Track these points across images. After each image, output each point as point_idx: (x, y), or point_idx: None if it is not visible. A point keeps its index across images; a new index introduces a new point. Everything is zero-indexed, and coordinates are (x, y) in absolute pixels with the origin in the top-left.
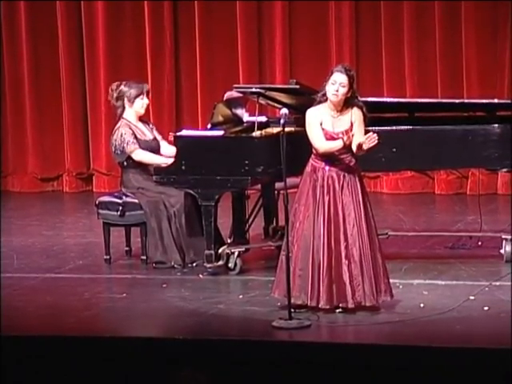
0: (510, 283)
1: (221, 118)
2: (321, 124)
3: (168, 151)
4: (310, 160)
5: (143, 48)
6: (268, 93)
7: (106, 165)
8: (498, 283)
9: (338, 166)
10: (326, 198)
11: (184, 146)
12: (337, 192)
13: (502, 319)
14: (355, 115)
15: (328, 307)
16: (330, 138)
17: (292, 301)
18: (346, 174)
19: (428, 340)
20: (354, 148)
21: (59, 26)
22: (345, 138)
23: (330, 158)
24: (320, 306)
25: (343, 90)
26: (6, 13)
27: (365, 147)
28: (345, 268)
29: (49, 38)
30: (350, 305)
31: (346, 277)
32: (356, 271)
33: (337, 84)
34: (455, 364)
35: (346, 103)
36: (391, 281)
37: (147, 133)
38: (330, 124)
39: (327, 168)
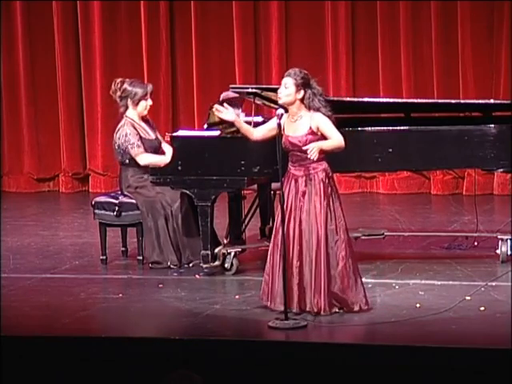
0: (505, 283)
1: (217, 119)
2: (283, 130)
3: (169, 152)
4: None
5: (139, 48)
6: (264, 93)
7: (102, 165)
8: (494, 283)
9: (301, 170)
10: (289, 202)
11: (180, 147)
12: (298, 197)
13: (498, 319)
14: (314, 121)
15: (282, 309)
16: (290, 143)
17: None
18: (310, 179)
19: (424, 340)
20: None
21: (55, 26)
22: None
23: (294, 162)
24: (273, 307)
25: (286, 91)
26: (2, 13)
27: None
28: (295, 272)
29: (45, 38)
30: (296, 309)
31: (294, 282)
32: (306, 277)
33: (282, 86)
34: (451, 364)
35: (305, 107)
36: (387, 281)
37: (150, 132)
38: (288, 128)
39: (292, 172)
